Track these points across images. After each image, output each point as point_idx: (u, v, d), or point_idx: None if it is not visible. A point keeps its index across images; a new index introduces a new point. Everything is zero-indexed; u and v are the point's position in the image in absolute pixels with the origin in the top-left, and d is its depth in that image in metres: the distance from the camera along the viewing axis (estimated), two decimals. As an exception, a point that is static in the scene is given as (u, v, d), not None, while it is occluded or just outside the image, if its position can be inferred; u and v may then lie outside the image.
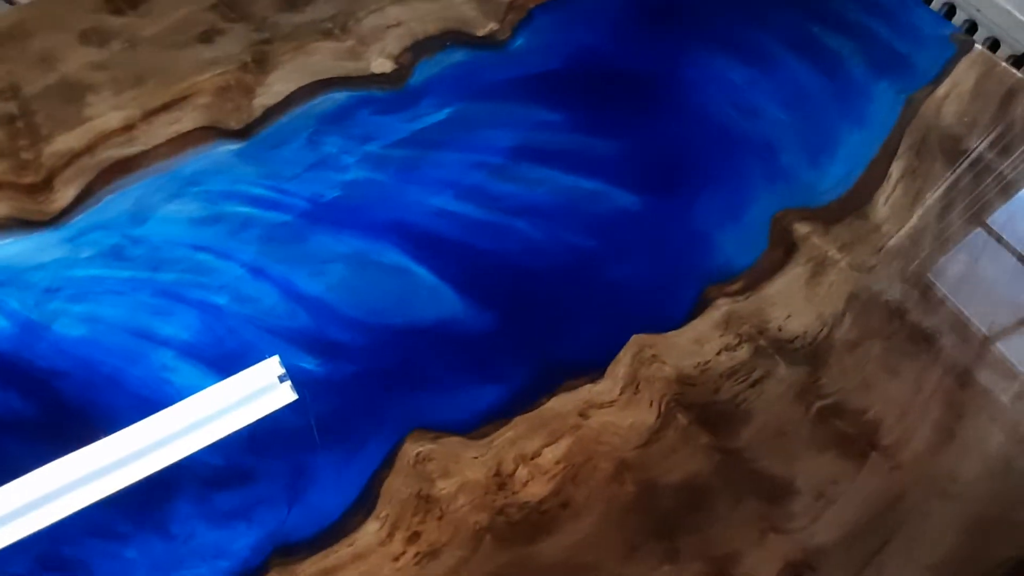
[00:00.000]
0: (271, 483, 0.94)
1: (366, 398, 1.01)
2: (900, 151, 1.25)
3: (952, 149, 1.25)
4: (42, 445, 0.95)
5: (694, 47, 1.40)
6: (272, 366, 1.02)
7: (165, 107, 1.25)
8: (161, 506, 0.92)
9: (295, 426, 0.98)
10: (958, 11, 1.80)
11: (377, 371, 1.03)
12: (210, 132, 1.23)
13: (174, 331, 1.04)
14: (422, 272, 1.12)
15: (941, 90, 1.32)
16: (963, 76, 1.34)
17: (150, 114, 1.24)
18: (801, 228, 1.17)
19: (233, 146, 1.22)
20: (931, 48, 1.38)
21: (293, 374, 1.01)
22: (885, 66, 1.36)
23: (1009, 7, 1.70)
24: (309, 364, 1.03)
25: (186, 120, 1.24)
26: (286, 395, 1.00)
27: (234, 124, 1.24)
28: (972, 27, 1.80)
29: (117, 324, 1.05)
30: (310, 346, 1.04)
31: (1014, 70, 1.34)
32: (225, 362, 1.02)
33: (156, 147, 1.20)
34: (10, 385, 0.99)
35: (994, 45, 1.77)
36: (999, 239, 1.17)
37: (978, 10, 1.76)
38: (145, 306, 1.06)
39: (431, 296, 1.10)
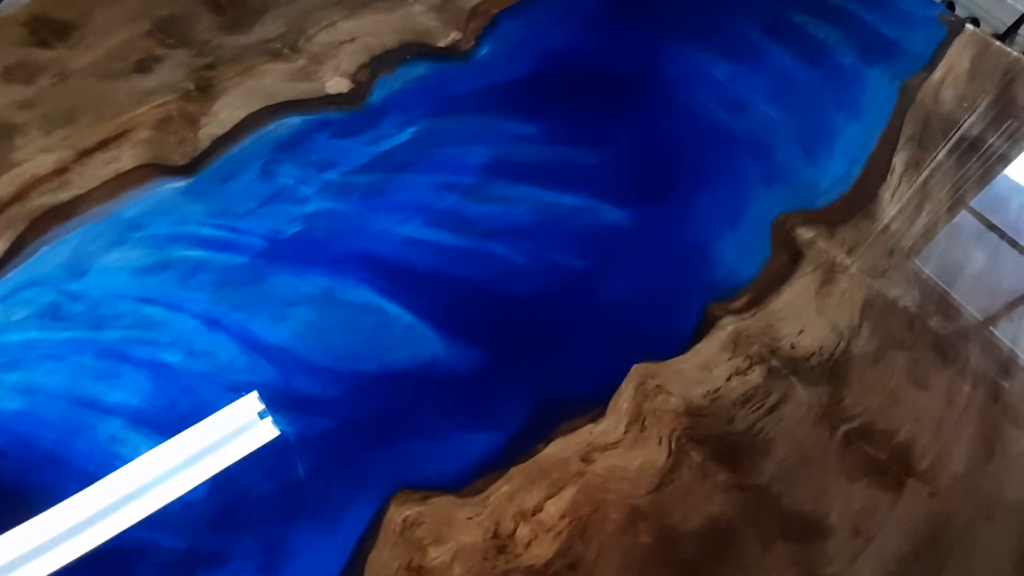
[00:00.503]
0: (242, 564, 0.83)
1: (344, 457, 0.91)
2: (901, 142, 1.17)
3: (956, 136, 1.17)
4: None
5: (673, 43, 1.32)
6: (251, 402, 0.92)
7: (101, 145, 1.14)
8: (117, 600, 0.81)
9: (265, 492, 0.88)
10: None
11: (354, 425, 0.93)
12: (152, 170, 1.12)
13: (122, 397, 0.93)
14: (395, 309, 1.02)
15: (937, 74, 1.25)
16: (957, 58, 1.27)
17: (84, 154, 1.13)
18: (805, 232, 1.08)
19: (178, 183, 1.11)
20: (921, 31, 1.32)
21: (259, 436, 0.91)
22: (875, 53, 1.29)
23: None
24: (278, 423, 0.92)
25: (124, 158, 1.13)
26: (268, 432, 0.90)
27: (178, 159, 1.13)
28: (950, 6, 1.74)
29: (57, 393, 0.93)
30: (277, 402, 0.94)
31: (1009, 49, 1.27)
32: (181, 428, 0.91)
33: (92, 190, 1.09)
34: (-63, 471, 0.88)
35: (974, 24, 1.71)
36: (1015, 231, 1.10)
37: (957, -11, 1.71)
38: (88, 370, 0.95)
39: (407, 335, 1.00)
